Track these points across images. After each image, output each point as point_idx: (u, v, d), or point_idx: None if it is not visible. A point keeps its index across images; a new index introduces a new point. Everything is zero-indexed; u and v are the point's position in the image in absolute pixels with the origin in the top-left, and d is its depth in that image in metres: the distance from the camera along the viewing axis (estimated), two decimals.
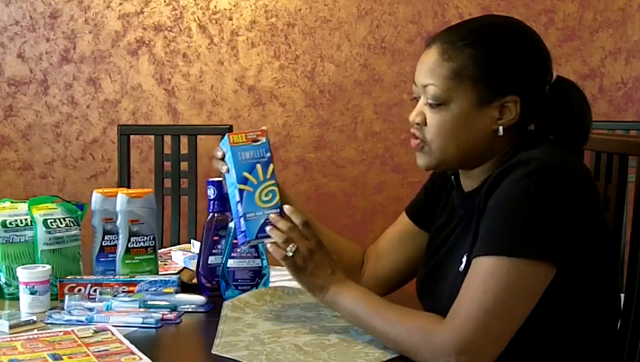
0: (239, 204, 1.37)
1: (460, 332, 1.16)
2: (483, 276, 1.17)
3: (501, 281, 1.15)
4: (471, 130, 1.28)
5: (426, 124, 1.31)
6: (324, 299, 1.36)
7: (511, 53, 1.27)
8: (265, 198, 1.38)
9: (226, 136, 1.40)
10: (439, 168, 1.38)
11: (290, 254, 1.34)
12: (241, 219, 1.37)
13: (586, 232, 1.21)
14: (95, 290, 1.55)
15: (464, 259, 1.27)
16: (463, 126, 1.28)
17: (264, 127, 1.44)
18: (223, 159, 1.43)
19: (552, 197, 1.17)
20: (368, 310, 1.29)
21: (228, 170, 1.42)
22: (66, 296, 1.51)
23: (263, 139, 1.41)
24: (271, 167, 1.40)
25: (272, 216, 1.36)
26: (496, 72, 1.27)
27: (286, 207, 1.36)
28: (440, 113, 1.28)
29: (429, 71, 1.29)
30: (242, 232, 1.38)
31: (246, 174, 1.38)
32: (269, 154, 1.40)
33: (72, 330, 1.34)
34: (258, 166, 1.39)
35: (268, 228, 1.36)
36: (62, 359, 1.21)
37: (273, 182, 1.39)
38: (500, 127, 1.28)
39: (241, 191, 1.37)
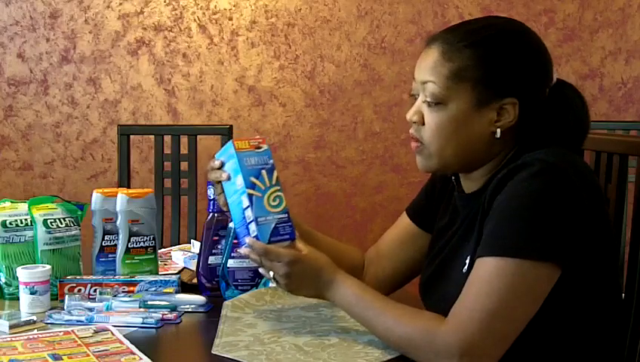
0: (249, 208, 1.35)
1: (463, 334, 1.15)
2: (487, 277, 1.16)
3: (505, 283, 1.15)
4: (468, 132, 1.28)
5: (423, 124, 1.30)
6: (328, 299, 1.36)
7: (511, 56, 1.27)
8: (273, 203, 1.37)
9: (230, 142, 1.39)
10: (439, 171, 1.38)
11: (271, 280, 1.36)
12: (252, 224, 1.35)
13: (590, 233, 1.21)
14: (95, 290, 1.55)
15: (467, 261, 1.26)
16: (461, 127, 1.28)
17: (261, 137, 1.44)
18: (219, 169, 1.42)
19: (557, 199, 1.17)
20: (367, 312, 1.28)
21: (228, 178, 1.40)
22: (66, 296, 1.51)
23: (265, 146, 1.40)
24: (275, 173, 1.39)
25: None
26: (496, 74, 1.26)
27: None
28: (438, 113, 1.28)
29: (429, 69, 1.29)
30: (254, 237, 1.36)
31: (253, 179, 1.37)
32: (272, 161, 1.39)
33: (72, 330, 1.34)
34: (263, 172, 1.38)
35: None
36: (62, 359, 1.21)
37: (279, 187, 1.38)
38: (498, 130, 1.27)
39: (250, 196, 1.36)
